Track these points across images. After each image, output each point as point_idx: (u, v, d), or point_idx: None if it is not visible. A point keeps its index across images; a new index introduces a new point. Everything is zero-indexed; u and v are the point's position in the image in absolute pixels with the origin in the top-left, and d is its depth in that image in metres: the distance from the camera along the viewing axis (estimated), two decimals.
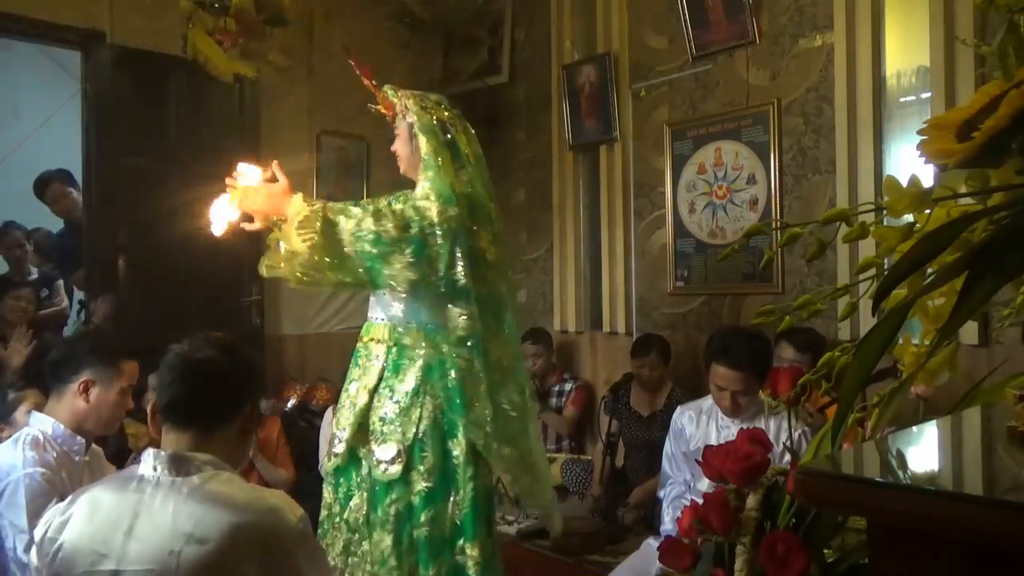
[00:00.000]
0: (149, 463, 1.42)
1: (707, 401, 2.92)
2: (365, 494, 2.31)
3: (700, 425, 2.88)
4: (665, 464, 2.98)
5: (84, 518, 1.42)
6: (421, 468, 2.26)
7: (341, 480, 2.36)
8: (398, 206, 2.26)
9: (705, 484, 2.23)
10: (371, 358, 2.34)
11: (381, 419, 2.29)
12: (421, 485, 2.25)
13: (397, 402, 2.28)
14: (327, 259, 2.15)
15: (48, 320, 4.27)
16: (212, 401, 1.44)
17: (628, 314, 4.37)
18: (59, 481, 2.04)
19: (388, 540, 2.24)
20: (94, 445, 2.26)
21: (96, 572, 1.36)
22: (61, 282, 4.54)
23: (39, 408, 2.19)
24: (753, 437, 1.22)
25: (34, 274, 4.47)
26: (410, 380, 2.28)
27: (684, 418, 2.93)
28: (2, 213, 4.61)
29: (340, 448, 2.33)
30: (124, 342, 2.38)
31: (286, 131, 4.56)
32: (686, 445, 2.88)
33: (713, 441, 2.62)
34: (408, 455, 2.25)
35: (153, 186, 4.08)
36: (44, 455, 2.05)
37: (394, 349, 2.31)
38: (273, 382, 4.26)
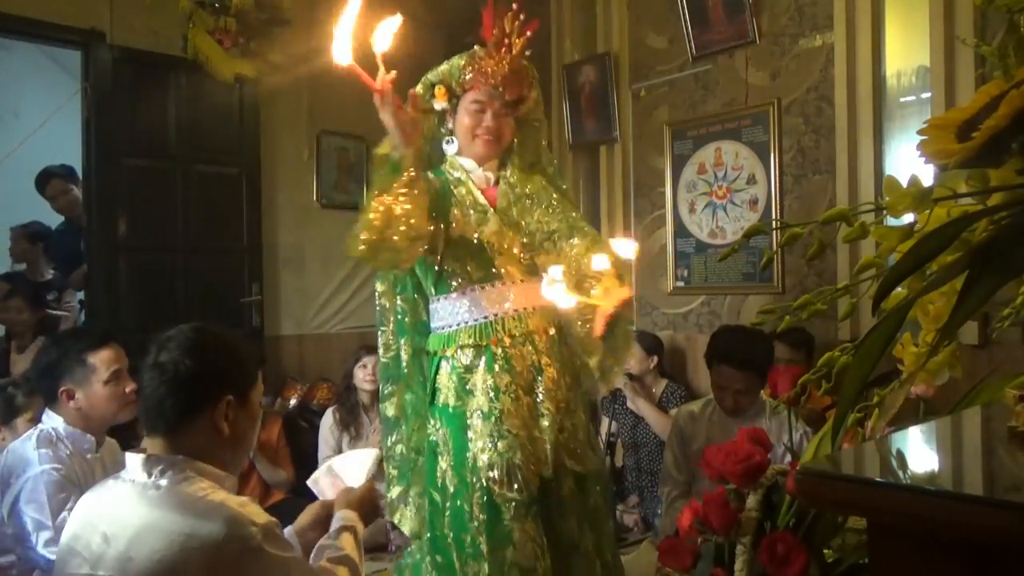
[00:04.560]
0: (129, 465, 1.42)
1: (708, 401, 2.92)
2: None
3: (700, 425, 2.88)
4: (666, 464, 2.98)
5: (73, 521, 1.42)
6: None
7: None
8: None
9: (705, 484, 2.23)
10: (552, 354, 2.04)
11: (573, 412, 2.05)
12: None
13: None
14: None
15: (57, 322, 4.25)
16: (175, 403, 1.41)
17: None
18: (75, 476, 2.07)
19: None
20: (108, 438, 2.27)
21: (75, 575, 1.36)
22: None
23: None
24: (753, 437, 1.22)
25: (49, 275, 4.46)
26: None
27: (684, 418, 2.93)
28: (2, 213, 4.61)
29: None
30: (92, 332, 2.35)
31: (286, 131, 4.56)
32: (687, 445, 2.88)
33: (713, 441, 2.62)
34: None
35: (153, 186, 4.08)
36: (57, 452, 2.08)
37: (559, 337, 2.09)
38: (273, 382, 4.26)
